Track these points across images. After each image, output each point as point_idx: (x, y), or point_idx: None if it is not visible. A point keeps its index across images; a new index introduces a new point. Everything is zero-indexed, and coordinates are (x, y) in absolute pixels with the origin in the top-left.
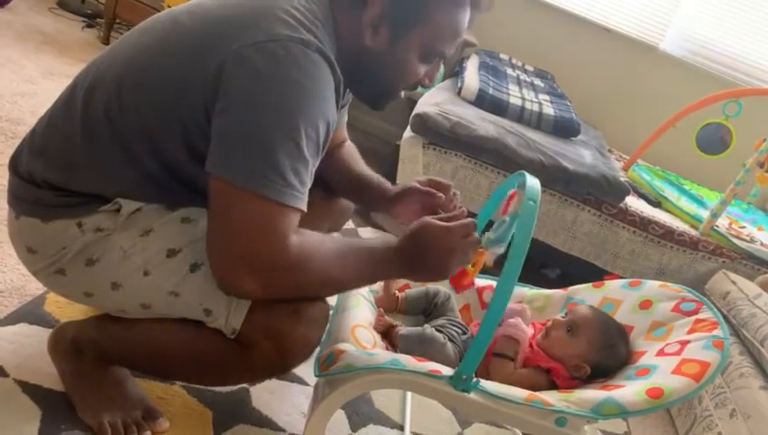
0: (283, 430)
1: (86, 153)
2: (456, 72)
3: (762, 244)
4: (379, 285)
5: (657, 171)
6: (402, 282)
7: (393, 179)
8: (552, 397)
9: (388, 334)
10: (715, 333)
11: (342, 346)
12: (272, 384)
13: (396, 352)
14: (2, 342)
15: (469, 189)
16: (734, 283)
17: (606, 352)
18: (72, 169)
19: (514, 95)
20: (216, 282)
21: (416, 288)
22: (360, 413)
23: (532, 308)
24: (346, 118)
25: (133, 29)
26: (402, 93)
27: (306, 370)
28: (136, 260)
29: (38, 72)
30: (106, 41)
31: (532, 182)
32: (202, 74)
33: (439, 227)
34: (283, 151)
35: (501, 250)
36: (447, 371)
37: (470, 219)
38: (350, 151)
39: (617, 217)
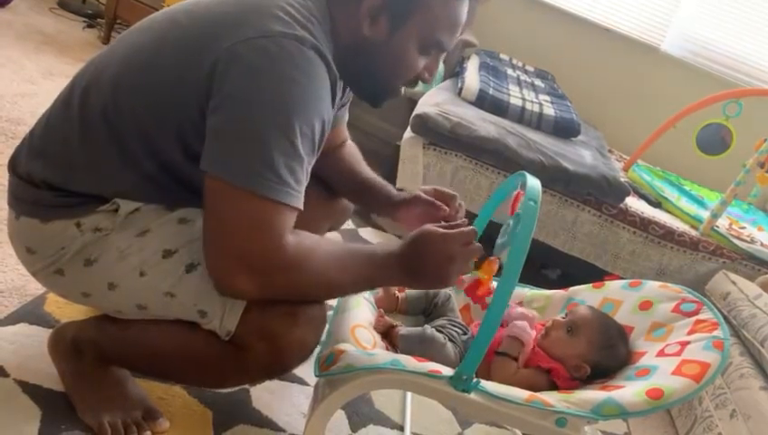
0: (284, 431)
1: (84, 154)
2: (456, 73)
3: (762, 244)
4: None
5: (657, 172)
6: None
7: (393, 180)
8: (552, 397)
9: (388, 335)
10: (715, 333)
11: (342, 346)
12: (272, 384)
13: (396, 352)
14: (2, 342)
15: (469, 190)
16: (734, 283)
17: (606, 353)
18: (71, 170)
19: (515, 96)
20: (212, 282)
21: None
22: (360, 413)
23: (532, 309)
24: (347, 117)
25: (131, 28)
26: (402, 90)
27: (306, 370)
28: (132, 260)
29: (38, 73)
30: (106, 41)
31: (533, 183)
32: (196, 73)
33: (439, 234)
34: (278, 149)
35: None
36: (448, 371)
37: (471, 227)
38: (353, 152)
39: (617, 217)
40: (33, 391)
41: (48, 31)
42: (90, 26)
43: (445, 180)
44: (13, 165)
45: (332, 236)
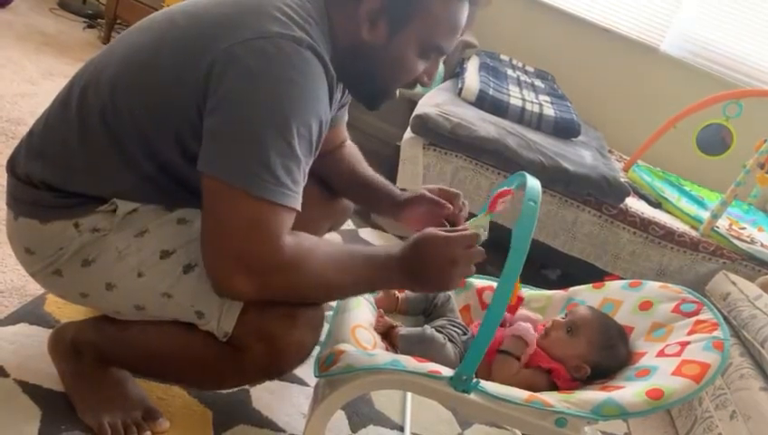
0: (284, 431)
1: (82, 154)
2: (456, 73)
3: (762, 245)
4: None
5: (657, 172)
6: None
7: (393, 180)
8: (552, 398)
9: (388, 335)
10: (715, 334)
11: (342, 347)
12: (272, 385)
13: (396, 352)
14: (2, 342)
15: (469, 190)
16: (734, 284)
17: (606, 353)
18: (70, 171)
19: (515, 96)
20: (209, 283)
21: None
22: (360, 414)
23: (532, 309)
24: (346, 117)
25: (129, 29)
26: (397, 93)
27: (306, 370)
28: (130, 261)
29: (38, 73)
30: (107, 41)
31: (533, 183)
32: (194, 74)
33: (442, 237)
34: (275, 150)
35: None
36: (447, 371)
37: (474, 232)
38: (354, 153)
39: (617, 217)
40: (33, 391)
41: (48, 31)
42: (90, 27)
43: (445, 181)
44: (11, 165)
45: (332, 236)
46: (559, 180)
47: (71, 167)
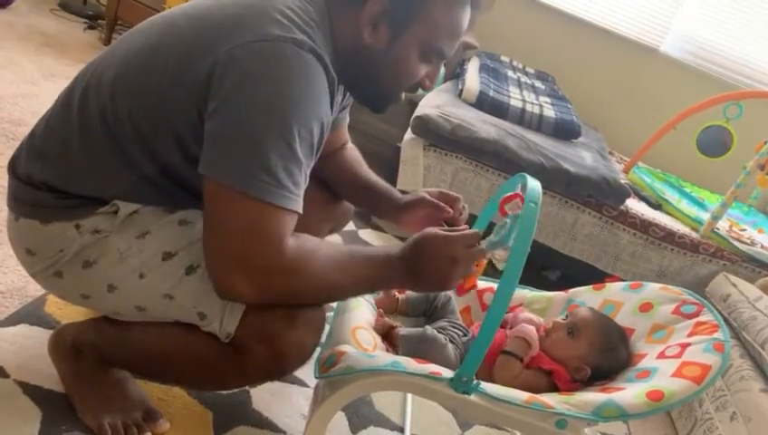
0: (284, 432)
1: (83, 156)
2: (456, 75)
3: (762, 246)
4: None
5: (657, 174)
6: None
7: (394, 182)
8: (552, 399)
9: (388, 335)
10: (715, 335)
11: (343, 348)
12: (272, 386)
13: (396, 353)
14: (3, 343)
15: (470, 191)
16: (734, 285)
17: (607, 354)
18: (71, 171)
19: (515, 97)
20: (211, 284)
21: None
22: (360, 415)
23: (532, 310)
24: (348, 120)
25: (130, 30)
26: (403, 96)
27: (307, 371)
28: (132, 262)
29: (39, 74)
30: (107, 42)
31: (533, 184)
32: (194, 76)
33: (442, 236)
34: (276, 152)
35: (505, 253)
36: (448, 373)
37: (473, 230)
38: (354, 155)
39: (617, 219)
40: (33, 391)
41: (49, 32)
42: (91, 27)
43: (445, 182)
44: (13, 166)
45: (332, 238)
46: (559, 182)
47: (72, 168)
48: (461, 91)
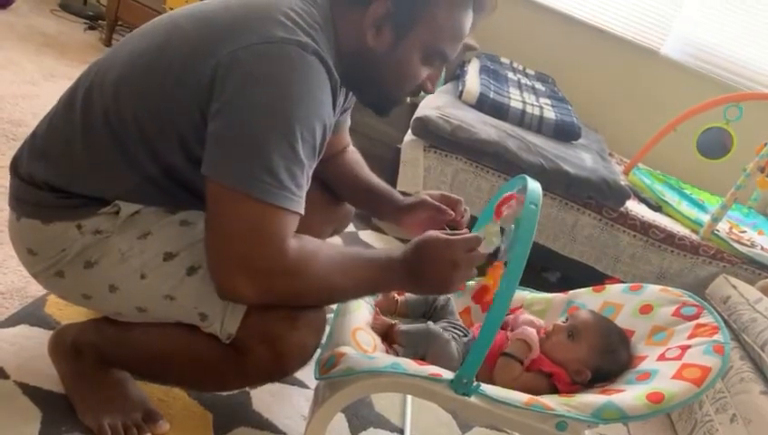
0: (284, 433)
1: (86, 156)
2: (457, 76)
3: (762, 248)
4: None
5: (657, 175)
6: None
7: (394, 183)
8: (552, 401)
9: (388, 334)
10: (715, 337)
11: (343, 349)
12: (272, 387)
13: (396, 354)
14: (2, 343)
15: (470, 193)
16: (734, 287)
17: (607, 358)
18: (73, 171)
19: (515, 99)
20: (213, 285)
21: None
22: (360, 416)
23: (532, 312)
24: (349, 122)
25: (134, 31)
26: (408, 99)
27: (307, 373)
28: (133, 263)
29: (39, 74)
30: (108, 43)
31: (534, 186)
32: (198, 78)
33: (443, 240)
34: (278, 153)
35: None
36: (448, 374)
37: (474, 234)
38: (356, 158)
39: (617, 221)
40: (33, 392)
41: (49, 32)
42: (91, 28)
43: (445, 183)
44: (15, 166)
45: (333, 239)
46: (559, 183)
47: (74, 167)
48: (461, 92)
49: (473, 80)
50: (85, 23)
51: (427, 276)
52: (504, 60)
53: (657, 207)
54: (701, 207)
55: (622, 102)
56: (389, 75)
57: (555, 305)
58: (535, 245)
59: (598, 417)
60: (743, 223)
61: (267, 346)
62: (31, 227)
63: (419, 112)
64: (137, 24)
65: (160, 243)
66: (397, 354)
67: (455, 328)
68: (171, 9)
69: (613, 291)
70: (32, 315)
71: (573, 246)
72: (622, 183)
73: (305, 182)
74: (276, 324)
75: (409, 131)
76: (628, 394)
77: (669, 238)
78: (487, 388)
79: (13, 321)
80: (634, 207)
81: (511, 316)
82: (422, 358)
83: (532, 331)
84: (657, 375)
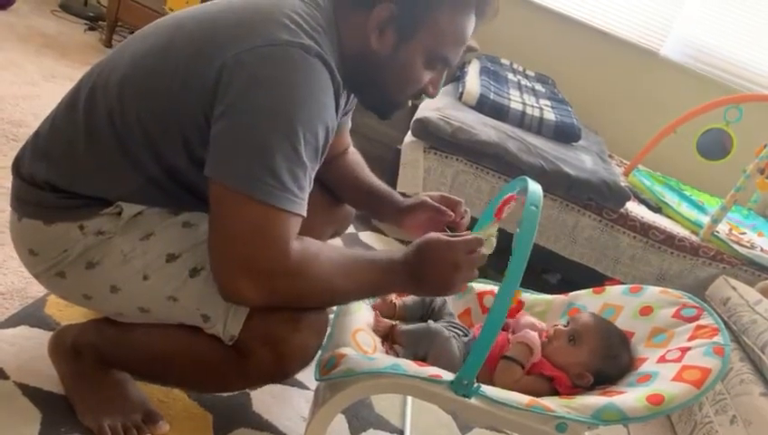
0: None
1: (88, 156)
2: (457, 77)
3: (762, 250)
4: None
5: (657, 177)
6: None
7: (394, 184)
8: (552, 403)
9: (389, 335)
10: (715, 339)
11: (343, 350)
12: (272, 388)
13: (397, 355)
14: (2, 344)
15: (470, 194)
16: (734, 289)
17: (609, 362)
18: (75, 172)
19: (515, 100)
20: (215, 287)
21: (412, 296)
22: (360, 418)
23: (532, 313)
24: (350, 124)
25: (137, 33)
26: (409, 103)
27: (307, 374)
28: (136, 264)
29: (40, 75)
30: (108, 44)
31: (534, 187)
32: (202, 80)
33: (444, 242)
34: (281, 155)
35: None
36: (448, 375)
37: (475, 236)
38: (356, 159)
39: (617, 222)
40: (33, 393)
41: (50, 33)
42: (91, 29)
43: (445, 184)
44: (16, 166)
45: (333, 241)
46: (559, 185)
47: (76, 168)
48: (461, 93)
49: (473, 81)
50: (85, 23)
51: (428, 278)
52: (505, 61)
53: (656, 208)
54: (701, 208)
55: (622, 104)
56: (392, 79)
57: (555, 307)
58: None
59: (598, 418)
60: (742, 224)
61: (269, 348)
62: (32, 228)
63: (419, 114)
64: (137, 24)
65: (163, 244)
66: (397, 355)
67: (455, 328)
68: (171, 10)
69: (613, 292)
70: (32, 316)
71: (573, 247)
72: (622, 184)
73: (308, 184)
74: (279, 326)
75: (409, 133)
76: (629, 396)
77: (669, 240)
78: (487, 389)
79: (13, 321)
80: (634, 208)
81: (511, 320)
82: (423, 358)
83: (535, 334)
84: (658, 377)
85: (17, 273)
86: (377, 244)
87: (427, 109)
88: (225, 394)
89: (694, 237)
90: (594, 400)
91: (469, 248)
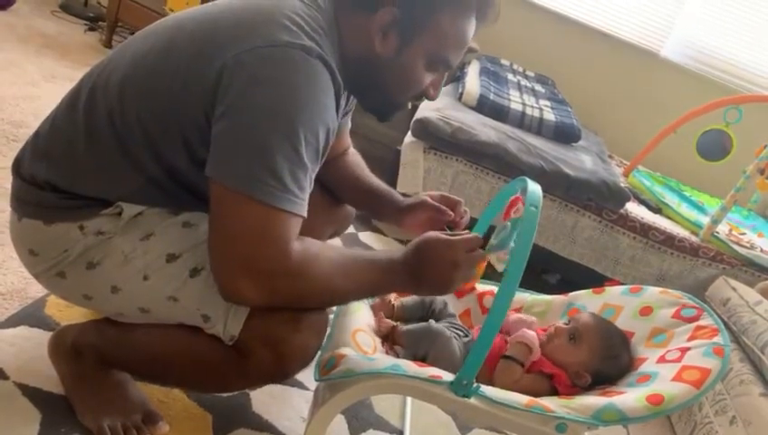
0: None
1: (89, 156)
2: (457, 78)
3: (762, 250)
4: None
5: (657, 177)
6: None
7: (394, 184)
8: (552, 403)
9: (388, 336)
10: (715, 340)
11: (343, 351)
12: (272, 389)
13: (397, 355)
14: (2, 344)
15: (470, 194)
16: (734, 289)
17: (608, 362)
18: (75, 172)
19: (515, 101)
20: (216, 287)
21: (411, 297)
22: (359, 418)
23: (532, 314)
24: (350, 125)
25: (138, 33)
26: (409, 105)
27: (307, 374)
28: (136, 264)
29: (40, 75)
30: (108, 44)
31: (534, 188)
32: (202, 80)
33: (443, 241)
34: (282, 156)
35: (505, 256)
36: (448, 376)
37: (474, 234)
38: (356, 160)
39: (617, 222)
40: (32, 393)
41: (50, 34)
42: (91, 29)
43: (445, 185)
44: (17, 166)
45: (333, 241)
46: (559, 185)
47: (76, 168)
48: (461, 94)
49: (473, 82)
50: (85, 24)
51: (427, 277)
52: (504, 61)
53: (656, 209)
54: (701, 209)
55: (622, 104)
56: (393, 81)
57: (555, 307)
58: (535, 247)
59: (598, 419)
60: (742, 225)
61: (270, 348)
62: (32, 228)
63: (419, 114)
64: (137, 25)
65: (163, 244)
66: (397, 356)
67: (455, 328)
68: (172, 10)
69: (613, 293)
70: (32, 316)
71: (573, 247)
72: (622, 185)
73: (308, 185)
74: (279, 327)
75: (409, 133)
76: (629, 396)
77: (669, 240)
78: (487, 389)
79: (13, 322)
80: (634, 209)
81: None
82: (423, 359)
83: (533, 333)
84: (657, 377)
85: (17, 273)
86: (377, 244)
87: (427, 109)
88: (224, 394)
89: (694, 238)
90: (594, 400)
91: (469, 247)
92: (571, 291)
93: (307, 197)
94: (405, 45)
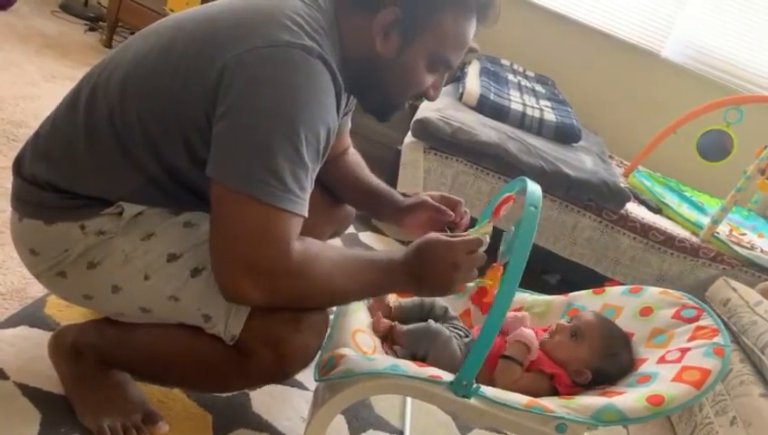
0: None
1: (89, 156)
2: (457, 78)
3: (762, 251)
4: None
5: (657, 178)
6: None
7: (394, 185)
8: (552, 403)
9: (389, 335)
10: (715, 340)
11: (343, 351)
12: (272, 389)
13: (396, 356)
14: (2, 344)
15: (470, 195)
16: (734, 290)
17: (608, 360)
18: (76, 172)
19: (515, 101)
20: (217, 287)
21: (409, 298)
22: (359, 418)
23: (532, 314)
24: (350, 125)
25: (138, 33)
26: (407, 105)
27: (306, 374)
28: (137, 264)
29: (40, 76)
30: (108, 44)
31: (534, 188)
32: (203, 81)
33: (444, 242)
34: (283, 156)
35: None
36: (448, 376)
37: (475, 236)
38: (356, 160)
39: (617, 223)
40: (32, 393)
41: (50, 34)
42: (91, 29)
43: (445, 185)
44: (17, 167)
45: (333, 241)
46: (559, 185)
47: (77, 168)
48: (461, 94)
49: (473, 82)
50: (86, 24)
51: (428, 278)
52: (505, 62)
53: (657, 209)
54: (701, 209)
55: (622, 105)
56: (394, 81)
57: (555, 308)
58: (535, 247)
59: (597, 419)
60: (743, 225)
61: (270, 348)
62: (33, 228)
63: (419, 114)
64: (137, 25)
65: (164, 244)
66: (396, 356)
67: (456, 328)
68: (172, 10)
69: (613, 293)
70: (32, 316)
71: (573, 248)
72: (622, 185)
73: (309, 185)
74: (280, 327)
75: (409, 133)
76: (628, 396)
77: (669, 241)
78: (487, 390)
79: (12, 322)
80: (634, 209)
81: None
82: (423, 359)
83: (531, 332)
84: (657, 378)
85: (17, 273)
86: (377, 244)
87: (427, 109)
88: (224, 394)
89: (694, 238)
90: (594, 400)
91: (469, 248)
92: (571, 291)
93: (308, 197)
94: (406, 45)
